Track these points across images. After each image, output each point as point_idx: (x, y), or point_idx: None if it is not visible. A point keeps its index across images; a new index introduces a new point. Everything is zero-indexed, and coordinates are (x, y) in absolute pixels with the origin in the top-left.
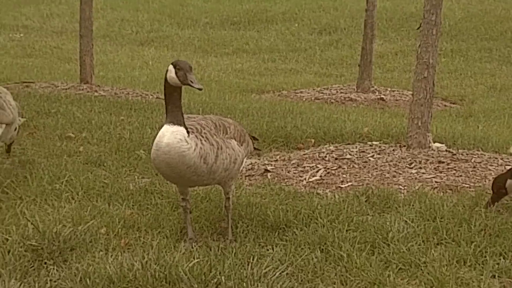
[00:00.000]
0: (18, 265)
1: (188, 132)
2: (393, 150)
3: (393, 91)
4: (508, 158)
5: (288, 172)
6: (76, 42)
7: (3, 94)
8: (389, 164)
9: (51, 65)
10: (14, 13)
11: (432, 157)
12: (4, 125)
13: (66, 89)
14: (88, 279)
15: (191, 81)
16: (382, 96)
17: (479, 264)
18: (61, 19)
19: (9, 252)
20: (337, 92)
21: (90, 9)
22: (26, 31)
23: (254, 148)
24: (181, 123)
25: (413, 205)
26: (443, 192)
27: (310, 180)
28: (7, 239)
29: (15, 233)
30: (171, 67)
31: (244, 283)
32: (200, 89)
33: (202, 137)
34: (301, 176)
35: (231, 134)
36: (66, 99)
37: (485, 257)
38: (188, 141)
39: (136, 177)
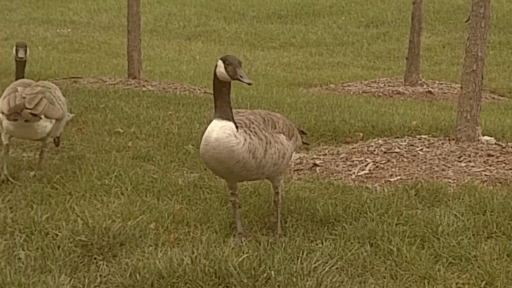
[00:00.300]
0: (68, 260)
1: (237, 127)
2: (442, 143)
3: (441, 84)
4: None
5: (337, 166)
6: (123, 37)
7: (53, 90)
8: (438, 158)
9: (98, 60)
10: (61, 8)
11: (481, 150)
12: (54, 120)
13: (114, 84)
14: (137, 274)
15: (241, 76)
16: (430, 89)
17: None
18: (108, 14)
19: (59, 247)
20: (384, 85)
21: (137, 4)
22: (73, 26)
23: (303, 143)
24: (230, 118)
25: (462, 199)
26: (492, 185)
27: (359, 174)
28: (57, 235)
29: (65, 229)
30: (220, 62)
31: (294, 278)
32: (249, 84)
33: (251, 131)
34: (350, 170)
35: (279, 129)
36: (114, 94)
37: None
38: (237, 136)
39: (185, 172)
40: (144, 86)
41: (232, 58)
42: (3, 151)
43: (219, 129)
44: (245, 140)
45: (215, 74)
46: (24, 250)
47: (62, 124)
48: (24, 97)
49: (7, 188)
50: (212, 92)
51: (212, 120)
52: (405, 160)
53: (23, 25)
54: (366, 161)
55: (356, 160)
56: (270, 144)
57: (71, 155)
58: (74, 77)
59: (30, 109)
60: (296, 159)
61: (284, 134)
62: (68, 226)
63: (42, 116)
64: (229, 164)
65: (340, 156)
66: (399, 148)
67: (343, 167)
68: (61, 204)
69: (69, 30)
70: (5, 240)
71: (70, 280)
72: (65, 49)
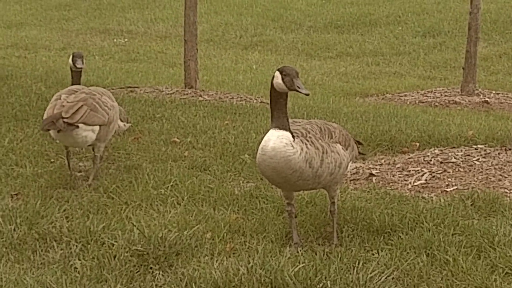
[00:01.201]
0: (124, 270)
1: (293, 136)
2: (499, 153)
3: (498, 94)
4: None
5: (393, 176)
6: (180, 47)
7: (98, 96)
8: (494, 168)
9: (155, 70)
10: (118, 18)
11: None
12: (97, 127)
13: (170, 93)
14: (193, 284)
15: (298, 87)
16: (487, 99)
17: None
18: (165, 23)
19: (115, 257)
20: (441, 95)
21: (194, 14)
22: (130, 36)
23: (359, 153)
24: (286, 128)
25: None
26: None
27: (415, 184)
28: (113, 244)
29: (121, 238)
30: (277, 73)
31: None
32: (307, 95)
33: (308, 141)
34: (406, 180)
35: (336, 139)
36: (171, 103)
37: None
38: (294, 145)
39: (241, 181)
40: (200, 95)
41: (290, 69)
42: (65, 157)
43: (276, 139)
44: (302, 149)
45: (272, 85)
46: (80, 260)
47: (112, 129)
48: (63, 106)
49: (63, 197)
50: (269, 102)
51: (269, 130)
52: (461, 170)
53: (80, 35)
54: (423, 171)
55: (413, 170)
56: (327, 154)
57: (127, 165)
58: (130, 87)
59: (66, 118)
60: (353, 169)
61: (340, 144)
62: (124, 236)
63: (80, 125)
64: (286, 174)
65: (397, 166)
66: (455, 158)
67: (400, 177)
68: (117, 214)
69: (126, 39)
70: (61, 249)
71: None
72: (121, 58)
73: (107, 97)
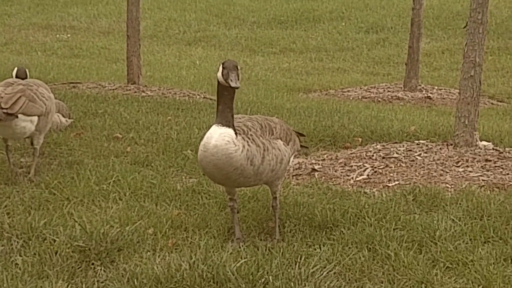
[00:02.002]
0: (65, 266)
1: (236, 133)
2: (440, 148)
3: (440, 89)
4: None
5: (335, 171)
6: (123, 43)
7: (35, 87)
8: (436, 163)
9: (98, 66)
10: (61, 13)
11: (479, 155)
12: (35, 119)
13: (113, 89)
14: (135, 280)
15: (231, 80)
16: (429, 94)
17: None
18: (108, 19)
19: (56, 253)
20: (384, 90)
21: (137, 10)
22: (73, 31)
23: (301, 146)
24: (230, 124)
25: (460, 204)
26: (490, 190)
27: (358, 179)
28: (55, 240)
29: (63, 234)
30: (220, 67)
31: (292, 283)
32: (236, 88)
33: (249, 138)
34: (348, 175)
35: (277, 134)
36: (113, 99)
37: None
38: (236, 143)
39: (183, 177)
40: (143, 91)
41: (228, 63)
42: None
43: (218, 136)
44: (244, 147)
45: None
46: (21, 256)
47: (50, 120)
48: (2, 97)
49: (5, 193)
50: (216, 97)
51: (211, 126)
52: (403, 165)
53: (22, 30)
54: (365, 166)
55: (355, 165)
56: (268, 151)
57: (69, 160)
58: (73, 82)
59: (6, 108)
60: (295, 164)
61: (281, 140)
62: (66, 232)
63: (19, 115)
64: (227, 171)
65: (339, 161)
66: (397, 153)
67: (342, 172)
68: (59, 210)
69: (68, 35)
70: (2, 245)
71: (68, 286)
72: (64, 54)
73: (43, 89)
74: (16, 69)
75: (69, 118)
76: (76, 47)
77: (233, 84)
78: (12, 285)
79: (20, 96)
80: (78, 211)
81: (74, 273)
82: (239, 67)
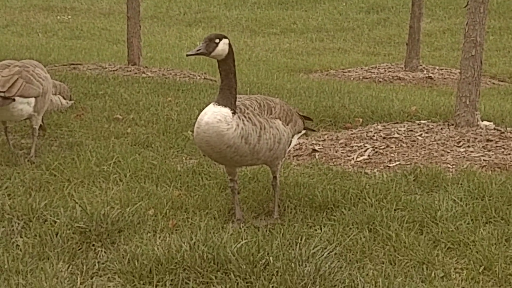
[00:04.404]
0: (66, 247)
1: (234, 112)
2: (441, 128)
3: (441, 69)
4: None
5: (336, 151)
6: (124, 24)
7: (32, 68)
8: (437, 143)
9: (99, 47)
10: None
11: (480, 135)
12: (32, 100)
13: (113, 70)
14: (136, 261)
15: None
16: (430, 74)
17: None
18: (108, 0)
19: (57, 234)
20: (385, 71)
21: None
22: (74, 13)
23: (308, 128)
24: (227, 103)
25: (461, 184)
26: (491, 170)
27: (358, 159)
28: (55, 222)
29: (63, 216)
30: None
31: (292, 264)
32: (187, 55)
33: (245, 117)
34: (349, 156)
35: (276, 114)
36: (114, 80)
37: None
38: (229, 121)
39: (183, 158)
40: (144, 72)
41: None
42: (4, 134)
43: (211, 114)
44: (238, 125)
45: None
46: (22, 237)
47: (47, 100)
48: None
49: (5, 174)
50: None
51: (208, 104)
52: (404, 145)
53: (23, 12)
54: (365, 146)
55: (355, 146)
56: (265, 130)
57: (69, 142)
58: (73, 64)
59: (3, 92)
60: (296, 145)
61: (280, 120)
62: (67, 213)
63: (17, 98)
64: (220, 149)
65: (339, 142)
66: (398, 133)
67: (342, 152)
68: (60, 191)
69: (69, 16)
70: (3, 227)
71: (68, 267)
72: (65, 35)
73: (40, 69)
74: None
75: (70, 100)
76: (77, 29)
77: (187, 52)
78: (13, 266)
79: (17, 79)
80: (78, 192)
81: (75, 254)
82: (210, 38)
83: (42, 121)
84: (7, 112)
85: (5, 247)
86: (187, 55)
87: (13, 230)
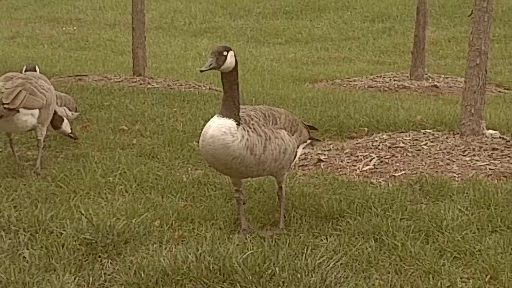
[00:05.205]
0: (72, 258)
1: (239, 124)
2: (447, 137)
3: (447, 78)
4: None
5: (342, 161)
6: (129, 35)
7: (35, 79)
8: (442, 152)
9: (104, 58)
10: (67, 6)
11: (486, 144)
12: (36, 111)
13: (119, 81)
14: (142, 272)
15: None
16: (436, 83)
17: None
18: (114, 11)
19: (63, 246)
20: (390, 80)
21: (142, 2)
22: (79, 24)
23: (313, 138)
24: (231, 115)
25: (467, 193)
26: (497, 179)
27: (364, 169)
28: (62, 233)
29: (69, 227)
30: None
31: (298, 274)
32: (200, 71)
33: (250, 128)
34: (354, 165)
35: (281, 124)
36: (119, 91)
37: None
38: (233, 133)
39: (189, 169)
40: (149, 83)
41: (213, 47)
42: (9, 145)
43: (216, 126)
44: (243, 136)
45: None
46: (28, 249)
47: (51, 112)
48: (2, 92)
49: (11, 186)
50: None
51: (213, 116)
52: (409, 154)
53: (29, 23)
54: (371, 156)
55: (361, 155)
56: (270, 140)
57: (75, 153)
58: (79, 75)
59: (7, 104)
60: (301, 155)
61: (286, 130)
62: (73, 225)
63: (21, 110)
64: (226, 160)
65: (345, 151)
66: (403, 142)
67: (348, 162)
68: (66, 202)
69: (74, 28)
70: (9, 239)
71: (75, 279)
72: (70, 47)
73: (43, 81)
74: (25, 66)
75: (75, 111)
76: (82, 40)
77: (198, 68)
78: (20, 278)
79: (20, 90)
80: (84, 203)
81: (81, 265)
82: (219, 52)
83: (71, 130)
84: (11, 124)
85: (12, 259)
86: (200, 71)
87: (19, 242)
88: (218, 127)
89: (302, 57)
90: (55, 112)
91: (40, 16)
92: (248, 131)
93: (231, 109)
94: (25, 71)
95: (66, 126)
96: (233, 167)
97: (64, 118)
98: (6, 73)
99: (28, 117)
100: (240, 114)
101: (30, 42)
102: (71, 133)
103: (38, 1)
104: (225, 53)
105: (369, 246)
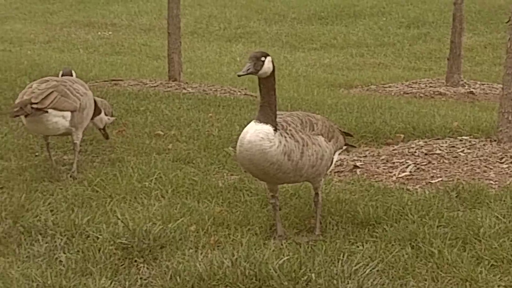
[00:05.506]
0: (108, 263)
1: (276, 129)
2: (484, 144)
3: (483, 84)
4: None
5: (378, 167)
6: (164, 39)
7: (70, 83)
8: (479, 159)
9: (139, 63)
10: (102, 11)
11: None
12: (68, 114)
13: (154, 86)
14: (178, 277)
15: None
16: (472, 89)
17: None
18: (149, 16)
19: (99, 250)
20: (426, 86)
21: (178, 7)
22: (114, 29)
23: (348, 145)
24: (268, 120)
25: (504, 200)
26: None
27: (400, 175)
28: (98, 237)
29: (106, 231)
30: None
31: (334, 281)
32: (238, 75)
33: (287, 134)
34: (390, 172)
35: (318, 130)
36: (155, 96)
37: None
38: (271, 139)
39: (225, 174)
40: (184, 88)
41: (250, 53)
42: (46, 149)
43: (253, 132)
44: (280, 142)
45: None
46: (65, 253)
47: (87, 116)
48: (34, 92)
49: (48, 190)
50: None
51: (250, 122)
52: (446, 161)
53: (64, 28)
54: (407, 162)
55: (397, 162)
56: (307, 146)
57: (111, 158)
58: (115, 80)
59: (36, 103)
60: (337, 161)
61: (323, 136)
62: (109, 229)
63: (50, 110)
64: (263, 166)
65: (381, 158)
66: (440, 149)
67: (384, 169)
68: (102, 207)
69: (110, 32)
70: (46, 242)
71: (111, 283)
72: (106, 51)
73: (79, 85)
74: (61, 71)
75: (111, 116)
76: (118, 44)
77: (237, 73)
78: (56, 282)
79: (52, 92)
80: (120, 208)
81: (117, 270)
82: (257, 57)
83: (105, 130)
84: (41, 125)
85: (48, 263)
86: (238, 76)
87: (56, 245)
88: (256, 132)
89: (337, 63)
90: (95, 103)
91: (75, 21)
92: (285, 137)
93: (268, 115)
94: (62, 75)
95: (100, 120)
96: (270, 173)
97: (102, 111)
98: (42, 77)
99: (59, 119)
100: (277, 120)
101: (65, 47)
102: (104, 129)
103: (74, 6)
104: (262, 58)
105: (405, 253)
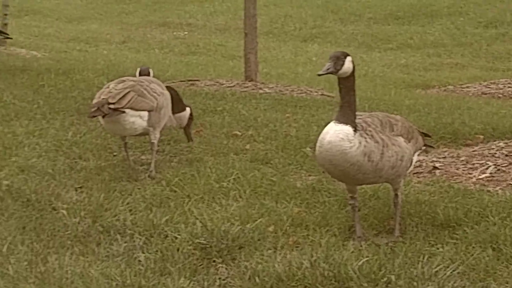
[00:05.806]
0: (187, 263)
1: (356, 130)
2: None
3: None
4: None
5: (457, 169)
6: (239, 39)
7: (147, 83)
8: None
9: (215, 63)
10: (178, 11)
11: None
12: (145, 114)
13: (231, 86)
14: (257, 278)
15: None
16: None
17: None
18: (224, 16)
19: (178, 250)
20: (504, 86)
21: (254, 7)
22: (190, 29)
23: (427, 145)
24: (348, 121)
25: None
26: None
27: (480, 177)
28: (176, 237)
29: (184, 231)
30: None
31: (414, 282)
32: (318, 75)
33: (367, 134)
34: (470, 173)
35: (397, 131)
36: (232, 96)
37: None
38: (351, 139)
39: (303, 175)
40: (261, 88)
41: (331, 53)
42: (124, 149)
43: (333, 133)
44: (360, 143)
45: None
46: (143, 253)
47: (164, 116)
48: (111, 92)
49: (127, 190)
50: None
51: (330, 122)
52: None
53: (140, 28)
54: (487, 164)
55: (477, 163)
56: (387, 147)
57: (189, 158)
58: (191, 80)
59: (113, 103)
60: (415, 162)
61: (402, 137)
62: (187, 229)
63: (127, 110)
64: (343, 167)
65: (461, 159)
66: None
67: (464, 170)
68: (180, 207)
69: (185, 32)
70: (125, 242)
71: (190, 283)
72: (181, 51)
73: (156, 85)
74: (139, 69)
75: None
76: (193, 44)
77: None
78: (135, 281)
79: (129, 91)
80: (198, 208)
81: (196, 270)
82: (337, 57)
83: (189, 131)
84: (119, 125)
85: (127, 263)
86: (318, 75)
87: (134, 245)
88: (336, 133)
89: (413, 63)
90: (180, 99)
91: (151, 21)
92: (365, 138)
93: (348, 115)
94: (139, 74)
95: (184, 117)
96: (350, 174)
97: (187, 109)
98: (118, 77)
99: (136, 119)
100: (357, 120)
101: (141, 47)
102: (189, 129)
103: (149, 6)
104: (343, 58)
105: (486, 255)
